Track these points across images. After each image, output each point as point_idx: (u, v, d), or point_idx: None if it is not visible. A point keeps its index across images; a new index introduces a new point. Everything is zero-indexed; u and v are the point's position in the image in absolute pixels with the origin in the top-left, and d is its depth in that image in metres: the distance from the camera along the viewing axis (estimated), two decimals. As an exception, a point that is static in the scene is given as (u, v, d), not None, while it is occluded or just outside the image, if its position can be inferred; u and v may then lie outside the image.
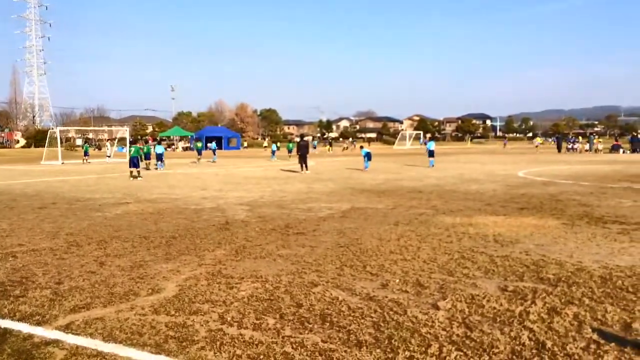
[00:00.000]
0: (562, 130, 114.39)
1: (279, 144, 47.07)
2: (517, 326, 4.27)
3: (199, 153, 37.29)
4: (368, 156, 25.02)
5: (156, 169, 27.42)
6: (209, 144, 38.13)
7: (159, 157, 28.32)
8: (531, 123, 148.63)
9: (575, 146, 51.06)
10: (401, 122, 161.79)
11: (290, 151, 41.83)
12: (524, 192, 14.21)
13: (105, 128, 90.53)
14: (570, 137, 68.20)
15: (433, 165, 26.88)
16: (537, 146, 60.50)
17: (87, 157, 39.69)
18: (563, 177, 19.34)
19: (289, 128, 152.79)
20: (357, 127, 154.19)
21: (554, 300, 4.92)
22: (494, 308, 4.71)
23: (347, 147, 71.72)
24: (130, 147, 22.26)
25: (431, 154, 27.87)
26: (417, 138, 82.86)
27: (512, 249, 7.13)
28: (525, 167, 25.83)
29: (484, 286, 5.40)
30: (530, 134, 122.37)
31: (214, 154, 37.82)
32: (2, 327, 4.35)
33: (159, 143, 32.12)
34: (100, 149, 72.88)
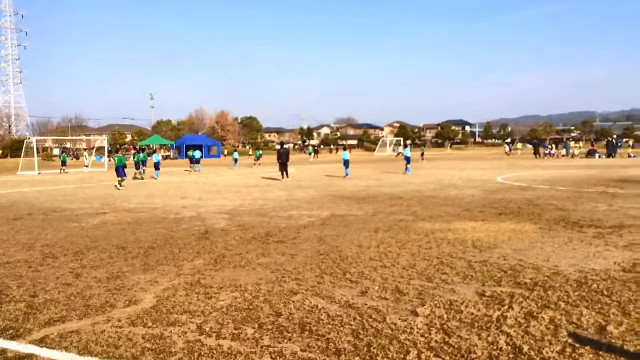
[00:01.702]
0: (539, 136, 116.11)
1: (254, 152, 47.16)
2: (494, 331, 4.31)
3: (191, 162, 37.47)
4: (346, 163, 24.99)
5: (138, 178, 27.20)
6: (192, 153, 38.65)
7: (156, 166, 28.48)
8: (509, 129, 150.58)
9: (552, 151, 51.84)
10: (382, 129, 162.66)
11: (257, 158, 42.50)
12: (501, 197, 14.38)
13: (83, 137, 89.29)
14: (547, 142, 69.09)
15: (409, 172, 27.11)
16: (507, 152, 59.39)
17: (64, 166, 39.20)
18: (540, 182, 19.62)
19: (269, 135, 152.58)
20: (338, 134, 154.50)
21: (531, 304, 4.98)
22: (472, 313, 4.75)
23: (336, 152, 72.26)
24: (114, 156, 22.05)
25: (408, 160, 28.18)
26: (397, 144, 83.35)
27: (490, 254, 7.20)
28: (504, 173, 26.15)
29: (462, 292, 5.44)
30: (509, 140, 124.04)
31: (197, 163, 37.73)
32: (-26, 342, 4.25)
33: (142, 151, 32.08)
34: (78, 158, 71.85)
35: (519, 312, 4.75)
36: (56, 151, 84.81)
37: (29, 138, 49.89)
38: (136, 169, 28.28)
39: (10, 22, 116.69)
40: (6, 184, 25.10)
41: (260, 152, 45.29)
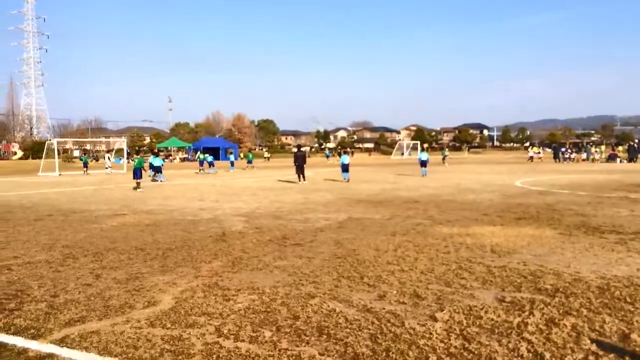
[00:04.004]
0: (558, 140, 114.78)
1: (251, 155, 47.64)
2: (515, 337, 4.25)
3: (201, 164, 38.53)
4: (345, 167, 24.36)
5: (156, 180, 27.41)
6: (207, 156, 39.86)
7: (158, 169, 28.52)
8: (528, 133, 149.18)
9: (572, 155, 51.18)
10: (398, 132, 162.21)
11: (249, 162, 43.84)
12: (520, 202, 14.22)
13: (103, 139, 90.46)
14: (567, 147, 68.21)
15: (426, 174, 27.36)
16: (531, 158, 52.67)
17: (86, 168, 39.88)
18: (560, 187, 19.37)
19: (286, 138, 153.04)
20: (355, 137, 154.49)
21: (552, 311, 4.90)
22: (492, 319, 4.69)
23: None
24: (134, 158, 22.26)
25: (423, 164, 28.48)
26: (414, 148, 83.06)
27: (510, 260, 7.11)
28: (522, 177, 25.87)
29: (481, 297, 5.38)
30: (527, 144, 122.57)
31: (212, 166, 38.30)
32: (-4, 341, 4.31)
33: (157, 155, 32.39)
34: (97, 160, 72.78)
35: (540, 319, 4.68)
36: (76, 153, 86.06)
37: (50, 140, 50.72)
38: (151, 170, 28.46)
39: (32, 25, 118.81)
40: (27, 185, 25.51)
41: (252, 156, 47.48)
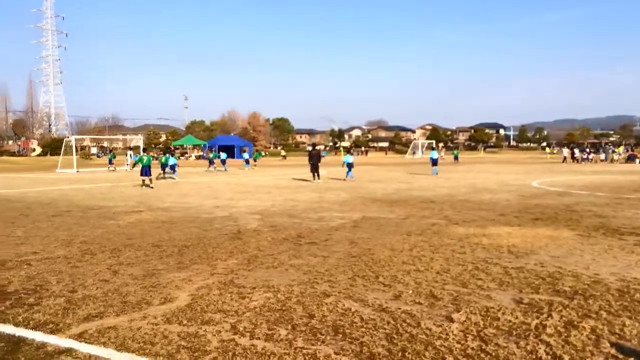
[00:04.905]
0: (576, 140, 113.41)
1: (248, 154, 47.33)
2: (533, 340, 4.20)
3: (211, 163, 38.72)
4: (350, 165, 24.68)
5: (166, 178, 27.64)
6: (220, 154, 40.39)
7: (172, 168, 28.83)
8: (545, 133, 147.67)
9: (590, 156, 50.52)
10: (413, 132, 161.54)
11: (255, 160, 43.72)
12: (538, 203, 14.07)
13: (120, 137, 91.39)
14: (585, 147, 67.34)
15: (437, 174, 27.65)
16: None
17: (111, 165, 40.36)
18: (578, 188, 19.14)
19: (300, 137, 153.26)
20: (369, 136, 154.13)
21: (571, 313, 4.84)
22: (509, 321, 4.64)
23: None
24: (142, 155, 22.45)
25: (434, 162, 28.94)
26: (430, 147, 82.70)
27: (527, 261, 7.04)
28: (539, 177, 25.61)
29: (498, 298, 5.33)
30: (545, 144, 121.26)
31: (224, 164, 38.51)
32: (16, 335, 4.37)
33: (172, 154, 32.71)
34: (115, 157, 73.40)
35: (559, 321, 4.62)
36: (94, 150, 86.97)
37: (68, 137, 51.32)
38: (162, 170, 28.64)
39: (51, 24, 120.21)
40: (46, 182, 25.85)
41: (258, 155, 48.00)
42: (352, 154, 27.36)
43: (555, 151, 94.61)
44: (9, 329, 4.53)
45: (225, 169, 37.29)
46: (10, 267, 6.87)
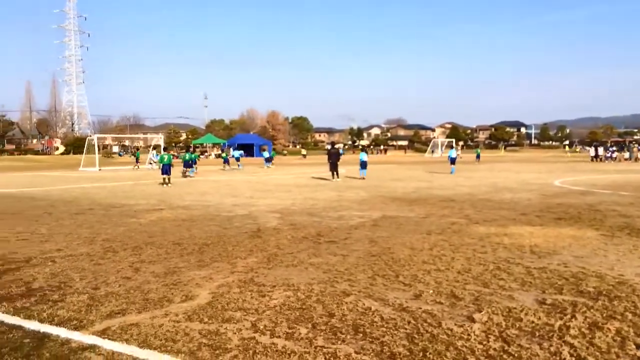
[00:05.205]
0: (599, 138, 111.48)
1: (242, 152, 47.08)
2: (556, 341, 4.14)
3: (225, 162, 39.49)
4: (363, 164, 24.75)
5: (188, 176, 27.91)
6: (234, 153, 41.15)
7: (189, 165, 29.16)
8: (567, 131, 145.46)
9: (613, 155, 49.61)
10: (433, 130, 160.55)
11: (270, 159, 42.86)
12: (560, 202, 13.87)
13: (141, 135, 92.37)
14: (609, 145, 66.16)
15: (454, 173, 27.72)
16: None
17: (138, 163, 40.93)
18: (601, 187, 18.81)
19: (319, 135, 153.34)
20: (389, 134, 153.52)
21: (595, 314, 4.76)
22: (532, 322, 4.58)
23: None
24: (163, 154, 22.71)
25: (452, 161, 29.15)
26: (449, 146, 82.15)
27: (550, 261, 6.94)
28: (561, 176, 25.24)
29: (521, 299, 5.26)
30: (567, 142, 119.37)
31: (238, 162, 39.38)
32: (41, 331, 4.44)
33: (193, 151, 33.09)
34: (140, 156, 74.22)
35: (583, 322, 4.54)
36: (115, 149, 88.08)
37: (91, 136, 52.06)
38: (185, 167, 28.96)
39: (73, 24, 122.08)
40: (69, 180, 26.27)
41: (274, 153, 47.62)
42: (367, 153, 27.37)
43: (577, 149, 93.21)
44: (34, 325, 4.60)
45: (240, 167, 37.74)
46: (35, 264, 6.99)
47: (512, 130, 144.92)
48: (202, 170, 30.36)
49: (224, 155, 42.32)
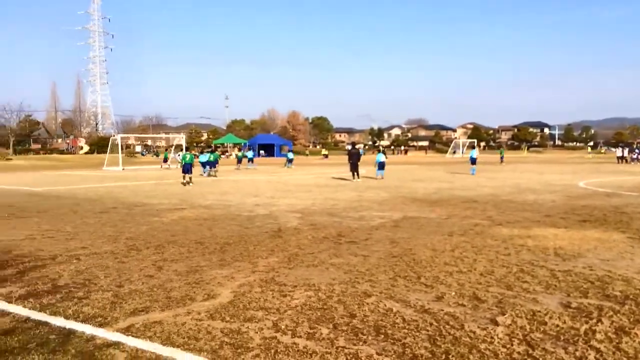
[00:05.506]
0: (626, 140, 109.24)
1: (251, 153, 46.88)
2: (582, 345, 4.06)
3: (239, 161, 40.56)
4: (381, 165, 24.80)
5: (212, 175, 28.17)
6: (247, 153, 42.33)
7: (204, 164, 29.49)
8: (592, 132, 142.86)
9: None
10: (454, 130, 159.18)
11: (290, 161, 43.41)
12: (585, 204, 13.63)
13: (163, 135, 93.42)
14: (635, 147, 64.77)
15: (474, 173, 27.60)
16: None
17: (166, 163, 41.39)
18: (627, 189, 18.44)
19: (339, 136, 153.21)
20: (409, 135, 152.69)
21: (622, 319, 4.66)
22: (557, 325, 4.51)
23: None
24: (184, 154, 22.95)
25: (473, 161, 28.99)
26: (471, 146, 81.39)
27: (575, 264, 6.82)
28: (586, 178, 24.81)
29: (545, 302, 5.18)
30: (592, 143, 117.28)
31: (251, 162, 41.00)
32: (67, 327, 4.52)
33: (212, 151, 33.51)
34: (157, 155, 75.20)
35: (609, 327, 4.45)
36: (138, 148, 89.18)
37: (114, 136, 52.80)
38: (209, 167, 29.26)
39: (97, 25, 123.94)
40: (93, 179, 26.69)
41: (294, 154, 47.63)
42: (384, 154, 27.43)
43: (602, 151, 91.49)
44: (59, 321, 4.68)
45: (254, 167, 38.62)
46: (60, 262, 7.12)
47: (535, 130, 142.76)
48: (222, 170, 30.59)
49: (239, 154, 43.12)
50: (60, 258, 7.35)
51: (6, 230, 9.87)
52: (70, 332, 4.41)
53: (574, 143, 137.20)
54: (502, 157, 47.30)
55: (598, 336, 4.26)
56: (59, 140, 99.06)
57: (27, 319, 4.75)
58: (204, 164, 29.03)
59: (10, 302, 5.27)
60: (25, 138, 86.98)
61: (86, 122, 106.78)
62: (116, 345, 4.13)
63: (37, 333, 4.40)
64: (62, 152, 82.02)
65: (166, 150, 53.59)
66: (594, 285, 5.80)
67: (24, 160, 55.54)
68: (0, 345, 4.14)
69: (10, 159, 56.37)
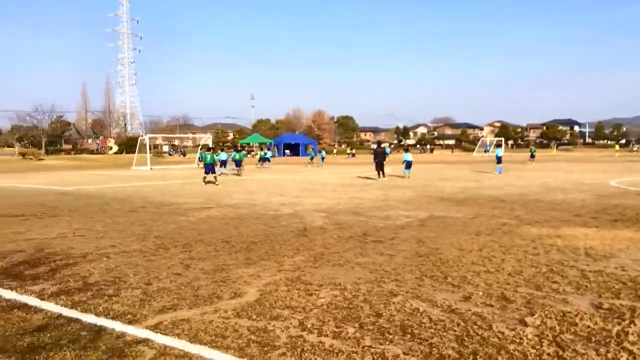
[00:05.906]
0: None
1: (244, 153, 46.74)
2: (614, 347, 3.98)
3: (260, 160, 42.49)
4: (408, 164, 24.65)
5: (236, 174, 28.48)
6: (265, 152, 44.26)
7: (223, 163, 29.86)
8: (624, 129, 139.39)
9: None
10: (481, 129, 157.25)
11: (311, 159, 44.84)
12: (616, 203, 13.32)
13: (190, 135, 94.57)
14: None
15: (501, 172, 27.29)
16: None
17: (201, 162, 42.15)
18: (661, 187, 17.94)
19: (365, 135, 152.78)
20: (435, 133, 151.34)
21: (656, 321, 4.54)
22: (588, 326, 4.42)
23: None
24: (206, 153, 23.21)
25: (499, 160, 28.64)
26: (498, 145, 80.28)
27: (606, 264, 6.68)
28: (617, 176, 24.24)
29: (575, 303, 5.08)
30: (623, 141, 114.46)
31: (268, 161, 42.37)
32: (97, 324, 4.61)
33: (240, 150, 34.02)
34: (185, 155, 76.21)
35: (643, 329, 4.34)
36: (165, 148, 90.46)
37: (142, 136, 53.68)
38: (236, 166, 29.64)
39: (126, 27, 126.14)
40: (122, 179, 27.17)
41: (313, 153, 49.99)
42: (409, 152, 27.24)
43: (635, 149, 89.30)
44: (90, 318, 4.78)
45: (270, 166, 39.98)
46: (91, 260, 7.27)
47: (564, 128, 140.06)
48: (247, 169, 30.84)
49: (262, 153, 44.15)
50: (91, 256, 7.50)
51: (39, 228, 10.12)
52: (101, 329, 4.50)
53: (605, 141, 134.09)
54: (533, 155, 46.13)
55: (631, 338, 4.16)
56: (89, 141, 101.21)
57: (59, 316, 4.86)
58: (221, 163, 29.45)
59: (43, 299, 5.41)
60: (57, 139, 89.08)
61: (115, 122, 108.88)
62: (145, 342, 4.20)
63: (68, 330, 4.51)
64: (92, 152, 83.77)
65: (200, 149, 54.55)
66: (627, 285, 5.66)
67: (55, 160, 56.92)
68: (34, 341, 4.25)
69: (42, 159, 57.81)
